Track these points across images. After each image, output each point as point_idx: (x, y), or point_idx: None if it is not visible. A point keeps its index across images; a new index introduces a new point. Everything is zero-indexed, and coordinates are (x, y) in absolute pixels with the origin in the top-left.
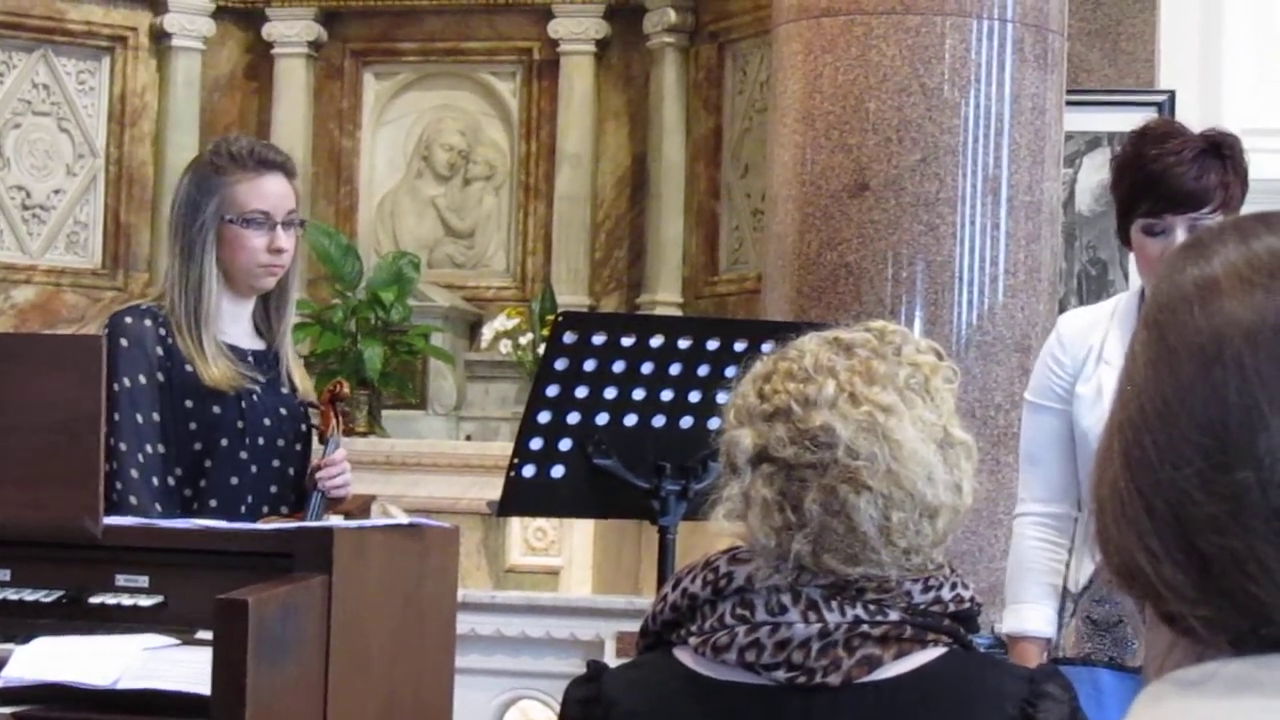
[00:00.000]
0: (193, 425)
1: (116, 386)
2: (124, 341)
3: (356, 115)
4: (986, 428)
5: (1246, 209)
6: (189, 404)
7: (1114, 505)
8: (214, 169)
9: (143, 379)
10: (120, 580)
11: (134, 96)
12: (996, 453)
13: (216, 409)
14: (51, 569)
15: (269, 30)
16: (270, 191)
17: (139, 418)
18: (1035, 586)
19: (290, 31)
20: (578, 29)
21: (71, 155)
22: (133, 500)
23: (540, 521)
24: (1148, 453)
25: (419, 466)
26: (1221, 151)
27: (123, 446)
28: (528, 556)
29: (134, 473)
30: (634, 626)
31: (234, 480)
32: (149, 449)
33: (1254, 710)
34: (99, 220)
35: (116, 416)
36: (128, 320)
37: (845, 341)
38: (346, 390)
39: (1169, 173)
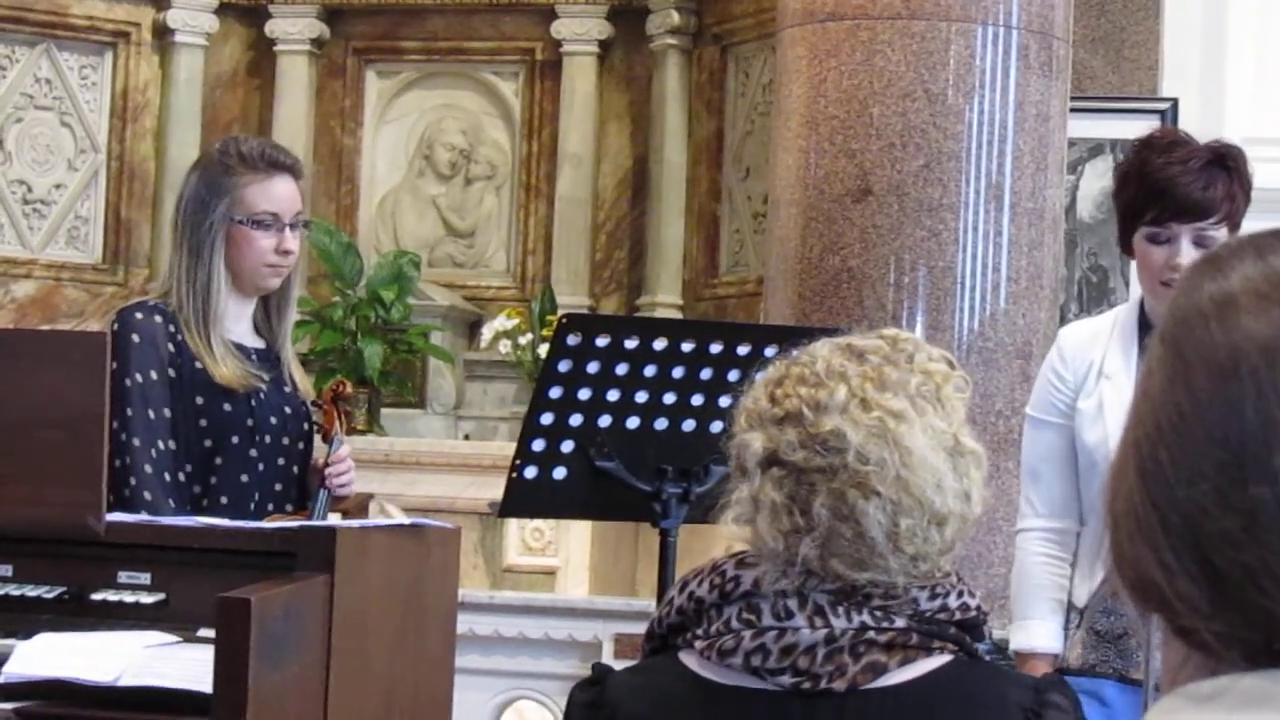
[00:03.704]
0: (203, 422)
1: (129, 382)
2: (135, 337)
3: (358, 113)
4: (987, 434)
5: (1248, 219)
6: (199, 401)
7: (1129, 520)
8: (223, 169)
9: (154, 374)
10: (122, 577)
11: (136, 92)
12: (997, 459)
13: (227, 406)
14: (54, 566)
15: (271, 27)
16: (279, 194)
17: (150, 414)
18: (1042, 602)
19: (293, 29)
20: (580, 30)
21: (73, 150)
22: (147, 496)
23: (537, 522)
24: (1163, 467)
25: (417, 465)
26: (1227, 163)
27: (135, 442)
28: (525, 557)
29: (147, 469)
30: (632, 628)
31: (244, 478)
32: (161, 445)
33: None
34: (100, 215)
35: (129, 412)
36: (138, 316)
37: (858, 348)
38: (349, 390)
39: (1175, 182)
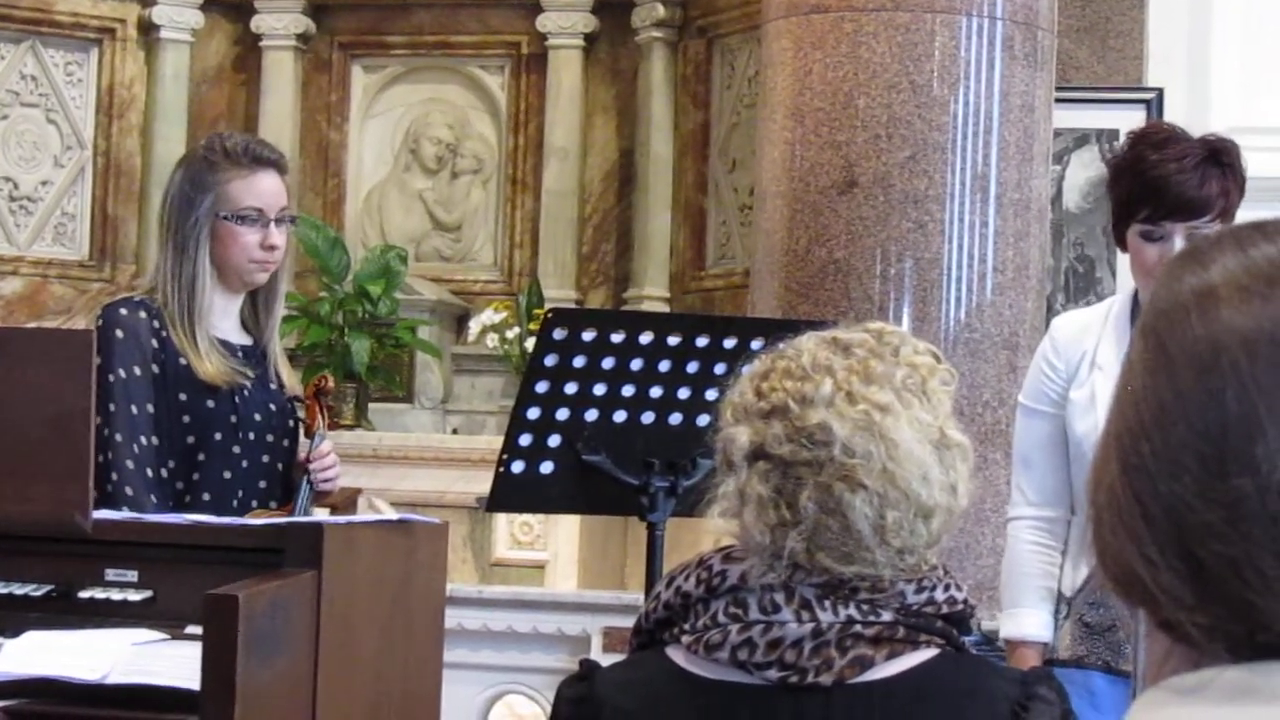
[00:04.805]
0: (186, 418)
1: (111, 377)
2: (119, 333)
3: (344, 108)
4: (974, 425)
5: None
6: (182, 397)
7: (1111, 513)
8: (208, 165)
9: (137, 370)
10: (110, 575)
11: (122, 88)
12: (984, 450)
13: (210, 403)
14: (41, 563)
15: (257, 23)
16: (264, 189)
17: (134, 409)
18: (1032, 591)
19: (278, 24)
20: (566, 23)
21: (59, 147)
22: (128, 491)
23: (526, 516)
24: (1145, 460)
25: (405, 460)
26: (1221, 159)
27: (118, 438)
28: (514, 551)
29: (129, 464)
30: (621, 621)
31: (226, 474)
32: (143, 440)
33: (1251, 717)
34: (86, 212)
35: (112, 407)
36: (122, 312)
37: (843, 341)
38: (331, 384)
39: (1170, 180)
